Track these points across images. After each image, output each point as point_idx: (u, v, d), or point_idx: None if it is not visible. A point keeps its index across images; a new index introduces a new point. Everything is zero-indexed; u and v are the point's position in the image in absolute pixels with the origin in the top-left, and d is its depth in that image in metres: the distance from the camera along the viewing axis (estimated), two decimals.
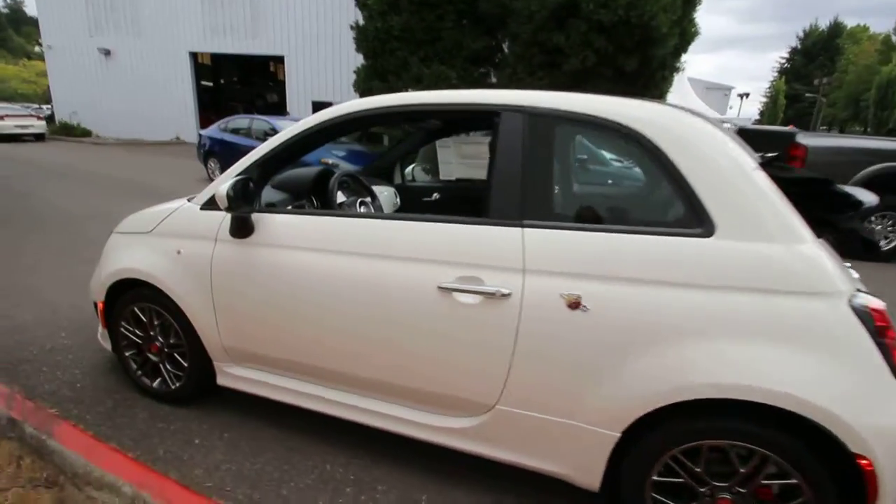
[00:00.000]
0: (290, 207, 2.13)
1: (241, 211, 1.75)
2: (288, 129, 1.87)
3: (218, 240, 1.88)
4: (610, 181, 4.78)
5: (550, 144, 1.55)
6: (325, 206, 2.20)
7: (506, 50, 9.97)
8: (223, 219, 1.86)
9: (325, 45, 16.77)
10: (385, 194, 2.96)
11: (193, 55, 18.89)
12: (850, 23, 37.27)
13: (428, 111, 1.80)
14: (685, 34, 9.43)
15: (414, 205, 3.16)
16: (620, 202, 2.37)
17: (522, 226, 1.51)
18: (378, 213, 2.10)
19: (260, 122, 9.65)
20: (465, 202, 3.10)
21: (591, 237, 1.44)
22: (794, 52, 48.64)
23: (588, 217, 1.67)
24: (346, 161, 8.10)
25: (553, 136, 1.56)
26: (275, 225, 1.81)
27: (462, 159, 3.02)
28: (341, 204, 2.20)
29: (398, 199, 3.12)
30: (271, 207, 1.99)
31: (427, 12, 9.30)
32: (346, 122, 1.80)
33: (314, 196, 2.25)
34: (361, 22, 10.33)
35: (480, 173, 3.04)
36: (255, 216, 1.81)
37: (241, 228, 1.80)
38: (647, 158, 1.45)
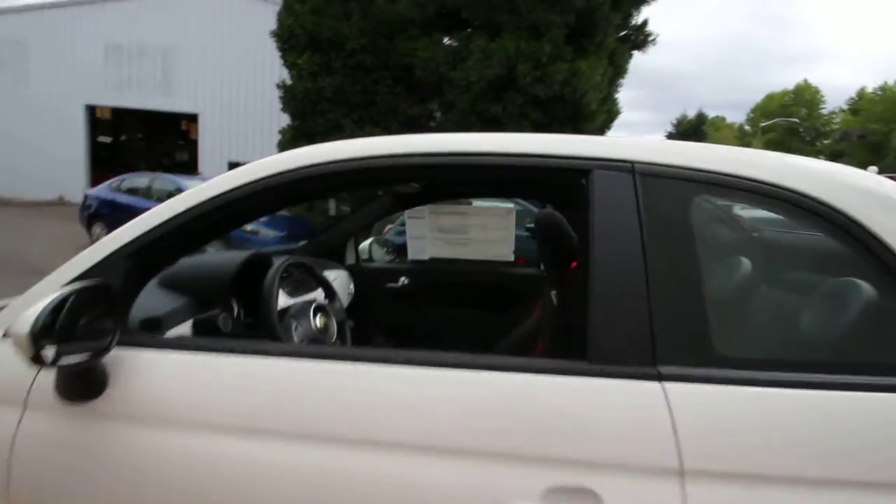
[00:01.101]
0: (190, 324, 1.25)
1: (75, 357, 0.85)
2: (190, 192, 1.04)
3: (30, 405, 0.94)
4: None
5: (689, 223, 0.91)
6: (258, 319, 1.34)
7: (438, 117, 9.86)
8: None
9: (245, 103, 15.90)
10: (336, 281, 2.15)
11: (91, 108, 17.01)
12: (710, 114, 44.41)
13: (457, 166, 1.03)
14: (610, 112, 9.98)
15: (374, 293, 2.36)
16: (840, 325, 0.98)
17: (660, 377, 0.81)
18: (364, 351, 1.19)
19: (163, 181, 8.42)
20: (445, 290, 2.37)
21: (816, 399, 0.77)
22: (670, 135, 56.67)
23: (793, 357, 0.92)
24: (269, 228, 7.10)
25: (690, 208, 0.92)
26: (155, 372, 0.94)
27: (439, 234, 2.33)
28: (284, 312, 1.36)
29: (353, 287, 2.31)
30: (151, 330, 1.12)
31: (362, 75, 8.98)
32: (301, 179, 1.02)
33: (236, 299, 1.41)
34: (288, 81, 9.77)
35: (461, 252, 2.35)
36: (115, 355, 0.92)
37: (80, 383, 0.90)
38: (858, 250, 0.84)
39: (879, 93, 37.09)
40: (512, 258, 2.31)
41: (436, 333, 2.40)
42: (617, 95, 10.15)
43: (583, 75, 8.13)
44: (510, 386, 0.84)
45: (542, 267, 1.81)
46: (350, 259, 2.45)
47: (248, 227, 6.74)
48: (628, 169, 0.92)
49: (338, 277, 2.17)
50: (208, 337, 1.26)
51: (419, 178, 1.50)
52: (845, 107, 40.99)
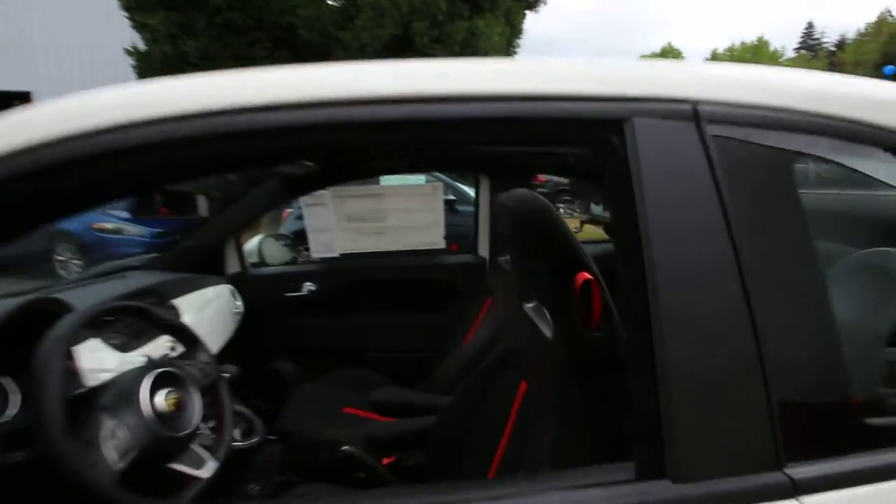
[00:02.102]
0: None
1: None
2: None
3: None
4: None
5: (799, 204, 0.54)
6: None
7: None
8: None
9: (90, 75, 13.28)
10: (214, 304, 1.57)
11: None
12: None
13: (392, 124, 0.50)
14: None
15: (271, 306, 1.82)
16: None
17: (794, 489, 0.44)
18: None
19: None
20: (363, 292, 1.89)
21: None
22: None
23: None
24: (136, 224, 5.85)
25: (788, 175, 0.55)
26: None
27: (348, 223, 1.82)
28: (86, 401, 0.77)
29: (239, 302, 1.74)
30: None
31: (232, 37, 7.75)
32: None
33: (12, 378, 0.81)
34: (141, 46, 8.21)
35: (379, 243, 1.88)
36: None
37: None
38: None
39: (728, 54, 41.94)
40: (443, 245, 1.89)
41: (359, 350, 1.93)
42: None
43: (482, 35, 7.76)
44: None
45: (509, 268, 1.42)
46: (233, 266, 1.85)
47: (108, 224, 5.52)
48: (688, 114, 0.52)
49: (215, 298, 1.58)
50: None
51: (316, 149, 0.83)
52: None
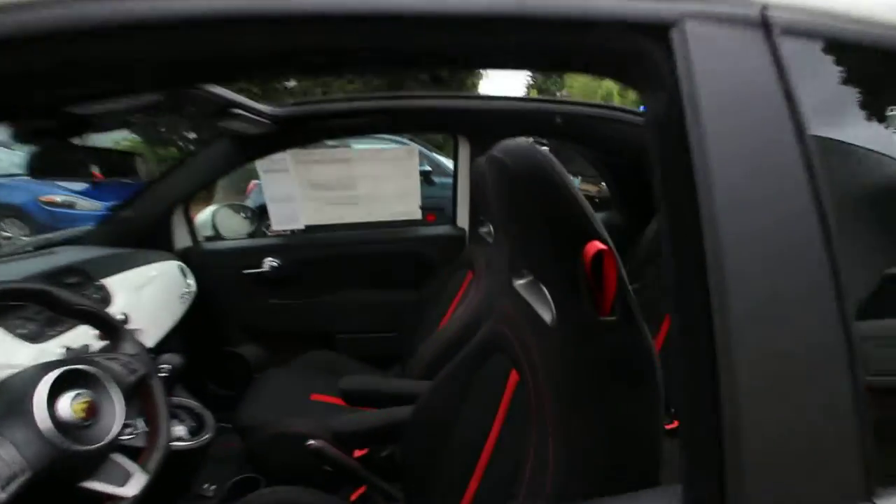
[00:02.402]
0: None
1: None
2: None
3: None
4: None
5: None
6: None
7: None
8: None
9: None
10: (157, 283, 1.38)
11: None
12: None
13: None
14: None
15: (228, 285, 1.64)
16: None
17: None
18: None
19: None
20: (331, 269, 1.73)
21: None
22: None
23: None
24: (90, 198, 5.44)
25: None
26: None
27: (313, 192, 1.63)
28: None
29: (191, 281, 1.56)
30: None
31: None
32: None
33: None
34: None
35: (349, 214, 1.70)
36: None
37: None
38: None
39: None
40: (419, 216, 1.72)
41: (328, 331, 1.77)
42: None
43: None
44: None
45: (492, 239, 1.26)
46: (182, 240, 1.65)
47: (57, 197, 5.11)
48: (755, 20, 0.37)
49: (159, 276, 1.39)
50: None
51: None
52: None
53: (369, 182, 1.62)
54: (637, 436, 0.51)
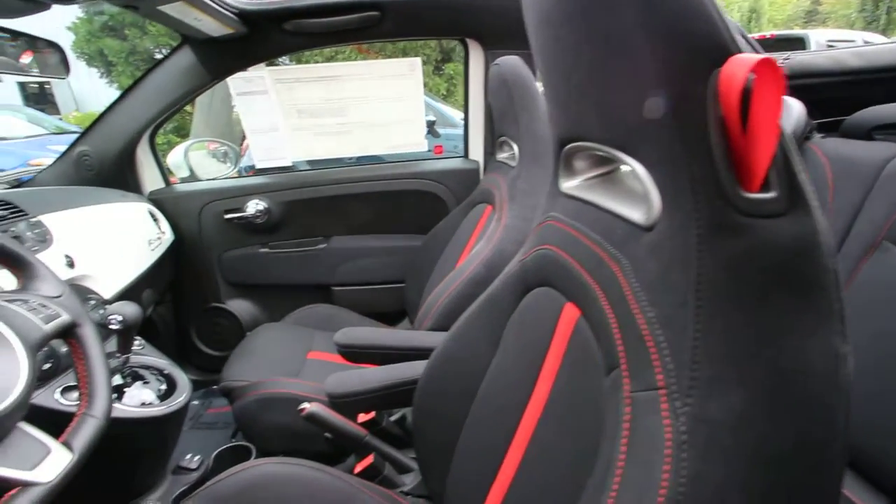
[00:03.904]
0: None
1: None
2: None
3: None
4: None
5: None
6: None
7: None
8: None
9: None
10: (119, 226, 1.17)
11: None
12: None
13: None
14: None
15: (207, 233, 1.44)
16: None
17: None
18: None
19: None
20: (328, 212, 1.51)
21: None
22: None
23: None
24: None
25: None
26: None
27: (298, 119, 1.39)
28: None
29: (164, 227, 1.35)
30: None
31: None
32: None
33: None
34: None
35: (341, 146, 1.45)
36: None
37: None
38: None
39: None
40: (425, 147, 1.47)
41: (324, 282, 1.57)
42: None
43: None
44: None
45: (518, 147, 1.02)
46: (153, 182, 1.43)
47: (47, 160, 4.87)
48: None
49: (121, 216, 1.18)
50: None
51: None
52: None
53: (363, 105, 1.37)
54: (814, 387, 0.30)
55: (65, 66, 0.98)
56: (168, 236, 1.36)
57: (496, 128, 1.17)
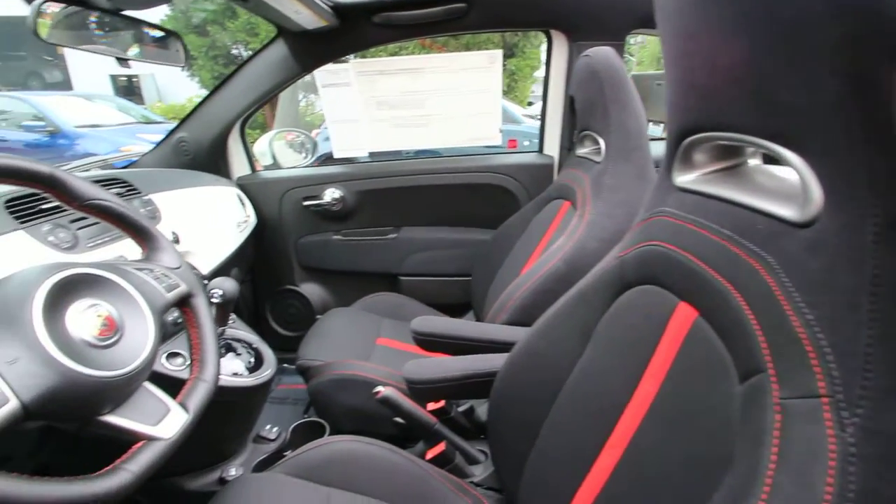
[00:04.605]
0: None
1: None
2: None
3: None
4: None
5: None
6: None
7: None
8: None
9: None
10: (213, 208, 1.25)
11: None
12: None
13: None
14: None
15: (286, 219, 1.50)
16: None
17: None
18: None
19: (14, 101, 6.52)
20: (401, 203, 1.54)
21: None
22: None
23: None
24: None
25: None
26: None
27: (379, 111, 1.42)
28: None
29: (249, 211, 1.43)
30: None
31: None
32: None
33: None
34: None
35: (418, 138, 1.47)
36: None
37: None
38: None
39: None
40: (499, 141, 1.47)
41: (393, 271, 1.60)
42: None
43: None
44: None
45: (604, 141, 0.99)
46: (240, 168, 1.51)
47: (136, 147, 5.31)
48: None
49: (217, 198, 1.26)
50: None
51: None
52: None
53: (441, 98, 1.38)
54: None
55: (185, 54, 1.06)
56: (252, 219, 1.44)
57: (579, 122, 1.14)
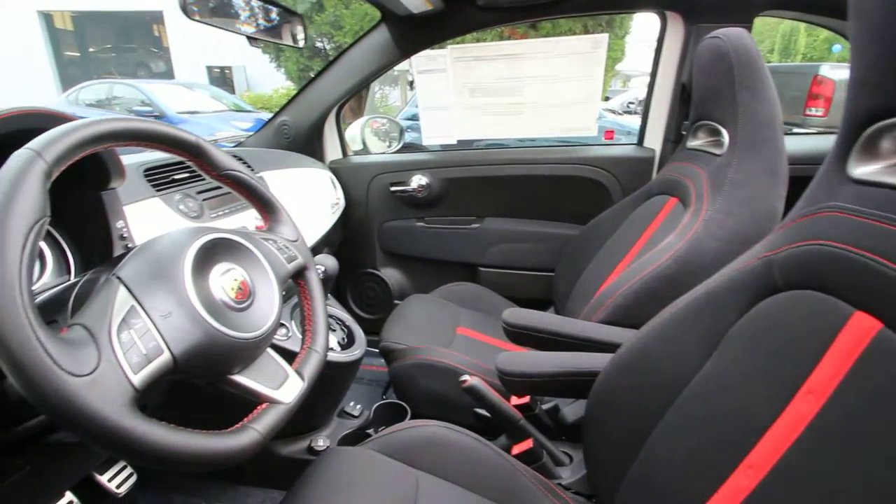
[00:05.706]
0: None
1: None
2: None
3: None
4: None
5: None
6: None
7: None
8: None
9: None
10: (310, 189, 1.30)
11: (46, 16, 14.93)
12: None
13: None
14: None
15: (372, 203, 1.53)
16: None
17: None
18: None
19: (126, 87, 7.26)
20: (488, 193, 1.52)
21: None
22: None
23: None
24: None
25: None
26: None
27: (469, 98, 1.40)
28: None
29: (340, 194, 1.47)
30: None
31: None
32: None
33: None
34: None
35: (510, 127, 1.44)
36: None
37: None
38: None
39: None
40: (595, 131, 1.40)
41: (475, 262, 1.59)
42: None
43: None
44: None
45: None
46: (333, 152, 1.56)
47: (228, 132, 5.72)
48: None
49: (312, 182, 1.31)
50: None
51: None
52: None
53: (539, 85, 1.33)
54: None
55: (304, 37, 1.11)
56: (342, 202, 1.49)
57: (694, 111, 1.05)
